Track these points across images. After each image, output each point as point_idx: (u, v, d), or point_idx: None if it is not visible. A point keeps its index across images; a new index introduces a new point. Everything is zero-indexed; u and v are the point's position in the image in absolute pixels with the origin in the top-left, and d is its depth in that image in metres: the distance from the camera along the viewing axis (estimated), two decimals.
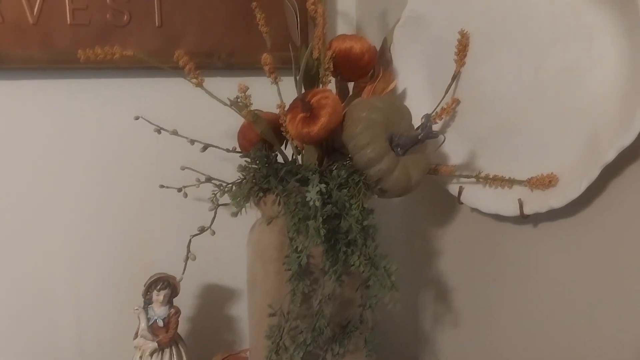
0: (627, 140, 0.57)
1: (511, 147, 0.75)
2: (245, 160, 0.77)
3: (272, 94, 0.79)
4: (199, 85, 0.75)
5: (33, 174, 0.89)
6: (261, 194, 0.77)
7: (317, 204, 0.68)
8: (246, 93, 0.76)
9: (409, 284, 0.98)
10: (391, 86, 0.89)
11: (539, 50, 0.71)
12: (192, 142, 0.83)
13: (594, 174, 0.61)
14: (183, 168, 0.86)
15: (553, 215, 0.70)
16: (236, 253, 0.88)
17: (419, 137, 0.70)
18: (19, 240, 0.90)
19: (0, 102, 0.86)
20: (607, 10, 0.60)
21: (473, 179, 0.78)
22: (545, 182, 0.68)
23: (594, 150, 0.62)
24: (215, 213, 0.79)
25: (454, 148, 0.84)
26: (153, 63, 0.77)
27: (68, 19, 0.88)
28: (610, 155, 0.59)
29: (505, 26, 0.75)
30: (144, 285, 0.88)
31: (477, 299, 0.87)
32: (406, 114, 0.77)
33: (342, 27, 1.08)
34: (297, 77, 0.83)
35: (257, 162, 0.77)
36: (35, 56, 0.86)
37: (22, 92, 0.87)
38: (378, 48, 0.91)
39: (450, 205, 0.88)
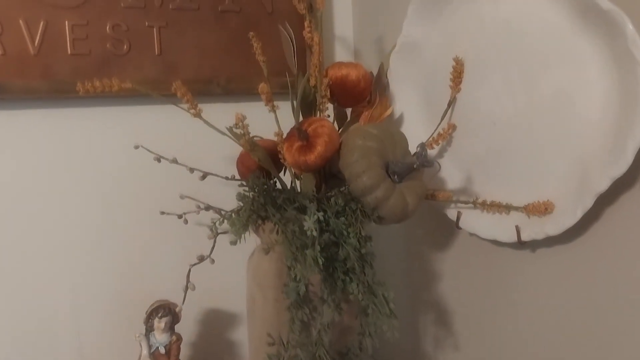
0: (620, 170, 0.58)
1: (507, 172, 0.76)
2: (243, 189, 0.78)
3: (271, 119, 0.79)
4: (197, 115, 0.76)
5: (35, 201, 0.90)
6: (260, 222, 0.77)
7: (315, 233, 0.69)
8: (244, 122, 0.77)
9: (409, 307, 0.98)
10: (388, 111, 0.89)
11: (531, 74, 0.72)
12: (192, 170, 0.84)
13: (588, 202, 0.61)
14: (183, 197, 0.86)
15: (550, 241, 0.71)
16: (237, 278, 0.88)
17: (415, 165, 0.70)
18: (20, 266, 0.90)
19: (2, 132, 0.87)
20: (596, 37, 0.61)
21: (471, 205, 0.79)
22: (541, 209, 0.68)
23: (588, 179, 0.62)
24: (215, 241, 0.79)
25: (451, 173, 0.84)
26: (151, 94, 0.77)
27: (69, 49, 0.89)
28: (604, 185, 0.59)
29: (499, 50, 0.76)
30: (146, 313, 0.88)
31: (478, 322, 0.87)
32: (402, 141, 0.77)
33: (340, 52, 1.09)
34: (295, 104, 0.84)
35: (255, 190, 0.77)
36: (36, 86, 0.87)
37: (24, 122, 0.88)
38: (375, 73, 0.92)
39: (449, 229, 0.88)
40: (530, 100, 0.72)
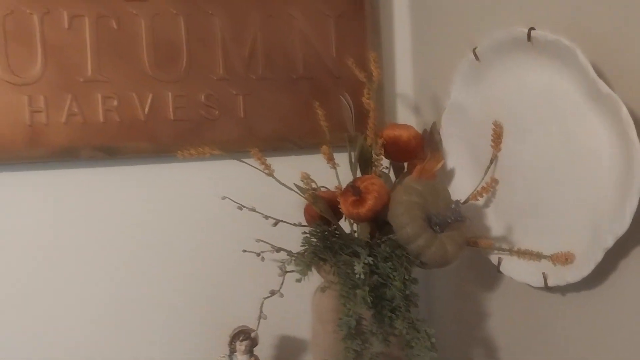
0: (621, 230, 0.66)
1: (541, 223, 0.85)
2: (308, 234, 0.92)
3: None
4: (270, 175, 0.92)
5: (142, 239, 1.09)
6: (320, 263, 0.91)
7: (363, 276, 0.81)
8: (308, 179, 0.91)
9: (460, 342, 1.07)
10: (439, 165, 1.00)
11: (565, 133, 0.80)
12: (266, 217, 0.99)
13: (598, 256, 0.70)
14: (258, 240, 1.01)
15: (576, 286, 0.79)
16: (302, 310, 1.02)
17: (449, 220, 0.81)
18: (125, 295, 1.08)
19: (115, 186, 1.07)
20: (601, 113, 0.70)
21: (507, 252, 0.88)
22: (563, 259, 0.77)
23: (598, 235, 0.70)
24: (284, 278, 0.93)
25: (492, 221, 0.94)
26: (234, 158, 0.94)
27: (171, 115, 1.07)
28: (610, 242, 0.67)
29: (535, 109, 0.85)
30: (229, 336, 1.04)
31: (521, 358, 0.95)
32: (443, 196, 0.88)
33: (401, 107, 1.22)
34: (353, 160, 0.97)
35: (317, 236, 0.91)
36: (144, 147, 1.06)
37: (133, 176, 1.07)
38: (430, 128, 1.04)
39: (493, 272, 0.97)
40: (558, 158, 0.81)
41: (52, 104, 1.01)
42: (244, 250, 1.06)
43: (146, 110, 1.06)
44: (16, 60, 1.00)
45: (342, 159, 0.98)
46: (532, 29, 0.78)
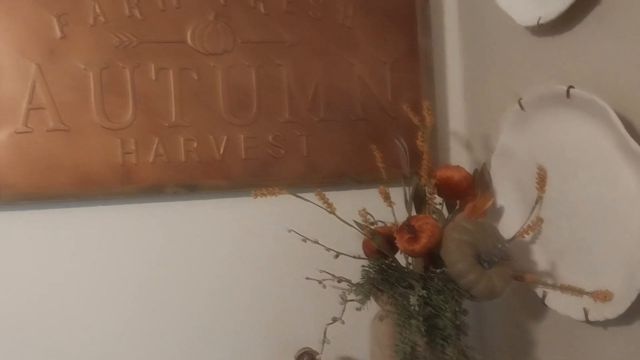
0: None
1: (581, 261, 0.92)
2: (365, 268, 1.02)
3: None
4: (332, 213, 1.02)
5: (222, 270, 1.21)
6: (378, 294, 1.00)
7: (417, 308, 0.90)
8: (366, 217, 1.01)
9: None
10: (489, 203, 1.08)
11: (602, 180, 0.87)
12: (328, 249, 1.09)
13: (633, 295, 0.76)
14: (321, 271, 1.11)
15: (616, 321, 0.85)
16: (362, 335, 1.11)
17: (495, 259, 0.89)
18: (189, 323, 1.21)
19: (195, 218, 1.20)
20: (632, 165, 0.77)
21: (551, 287, 0.95)
22: (602, 297, 0.84)
23: (632, 275, 0.77)
24: (345, 307, 1.03)
25: (538, 257, 1.01)
26: (300, 197, 1.04)
27: (243, 155, 1.20)
28: None
29: (578, 154, 0.92)
30: (294, 357, 1.15)
31: None
32: (492, 234, 0.96)
33: (454, 146, 1.31)
34: (408, 198, 1.07)
35: (375, 268, 1.01)
36: (219, 184, 1.19)
37: (210, 210, 1.20)
38: (481, 168, 1.12)
39: (539, 303, 1.04)
40: (599, 201, 0.88)
41: (141, 146, 1.16)
42: (307, 278, 1.16)
43: (221, 150, 1.19)
44: (111, 108, 1.15)
45: (397, 193, 1.07)
46: (570, 87, 0.86)
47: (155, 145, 1.16)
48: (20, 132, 1.12)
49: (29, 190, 1.12)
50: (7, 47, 1.12)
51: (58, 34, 1.14)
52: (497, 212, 1.09)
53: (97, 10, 1.15)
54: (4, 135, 1.12)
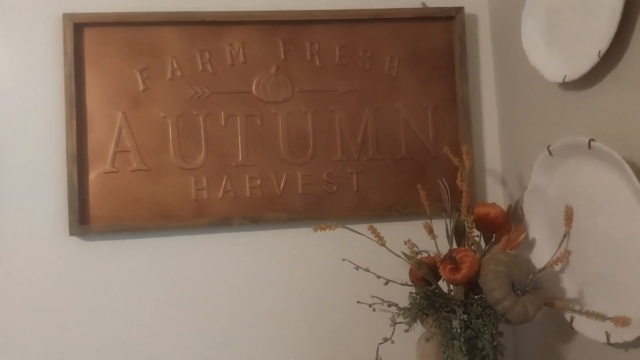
0: None
1: (606, 290, 1.03)
2: (412, 294, 1.15)
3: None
4: (383, 245, 1.16)
5: (284, 295, 1.36)
6: (424, 317, 1.14)
7: (459, 330, 1.04)
8: (412, 249, 1.15)
9: None
10: (522, 237, 1.20)
11: (624, 217, 0.98)
12: (378, 277, 1.23)
13: None
14: (373, 297, 1.25)
15: (635, 343, 0.97)
16: (410, 354, 1.24)
17: (527, 288, 1.03)
18: (252, 343, 1.36)
19: (260, 248, 1.36)
20: None
21: (577, 312, 1.07)
22: (620, 322, 0.96)
23: None
24: (394, 328, 1.17)
25: (567, 285, 1.13)
26: (353, 230, 1.19)
27: (300, 190, 1.36)
28: None
29: (602, 193, 1.03)
30: None
31: None
32: (525, 265, 1.09)
33: (490, 180, 1.44)
34: (449, 232, 1.20)
35: (421, 295, 1.14)
36: (280, 217, 1.34)
37: (271, 240, 1.36)
38: (514, 204, 1.25)
39: (567, 327, 1.16)
40: (621, 235, 1.00)
41: (212, 183, 1.32)
42: (358, 302, 1.30)
43: (281, 186, 1.35)
44: (186, 151, 1.32)
45: (438, 224, 1.20)
46: (591, 140, 0.99)
47: (224, 183, 1.33)
48: (108, 172, 1.30)
49: (116, 222, 1.30)
50: (99, 100, 1.30)
51: (141, 86, 1.32)
52: (529, 245, 1.22)
53: (175, 65, 1.33)
54: (94, 175, 1.30)
